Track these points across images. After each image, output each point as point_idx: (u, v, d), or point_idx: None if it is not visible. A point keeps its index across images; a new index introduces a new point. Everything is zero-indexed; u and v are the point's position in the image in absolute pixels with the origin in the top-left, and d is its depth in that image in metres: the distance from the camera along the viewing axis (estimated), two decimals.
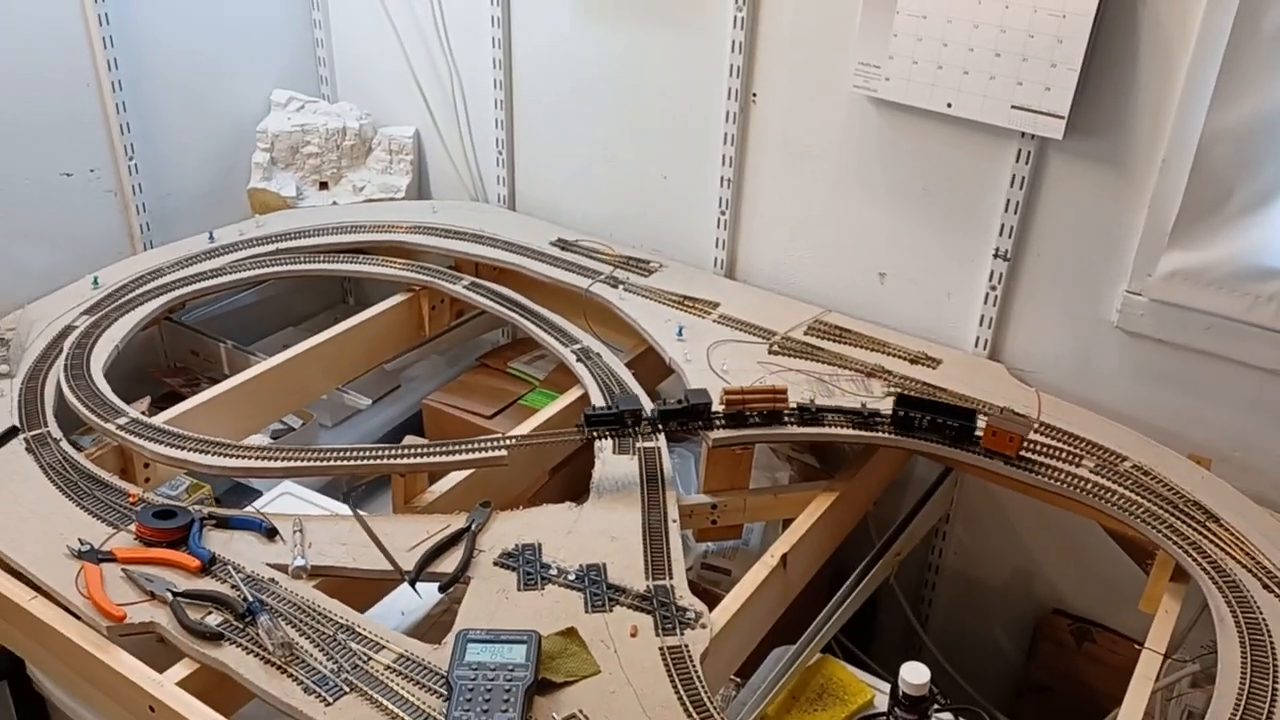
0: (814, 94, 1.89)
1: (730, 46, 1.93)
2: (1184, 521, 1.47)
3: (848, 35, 1.78)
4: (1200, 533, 1.45)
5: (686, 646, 1.25)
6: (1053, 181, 1.72)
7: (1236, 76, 1.49)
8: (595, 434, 1.54)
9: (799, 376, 1.74)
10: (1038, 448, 1.58)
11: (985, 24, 1.64)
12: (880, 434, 1.59)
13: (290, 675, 1.20)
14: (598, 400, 1.70)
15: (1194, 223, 1.60)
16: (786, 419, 1.57)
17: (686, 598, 1.32)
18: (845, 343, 1.86)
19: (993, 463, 1.56)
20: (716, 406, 1.57)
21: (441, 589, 1.36)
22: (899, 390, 1.70)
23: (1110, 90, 1.62)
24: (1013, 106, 1.65)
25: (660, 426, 1.54)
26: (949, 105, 1.71)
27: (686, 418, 1.54)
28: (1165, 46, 1.56)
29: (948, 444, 1.56)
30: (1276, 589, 1.35)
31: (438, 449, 1.54)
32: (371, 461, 1.51)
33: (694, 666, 1.22)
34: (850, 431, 1.59)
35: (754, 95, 1.96)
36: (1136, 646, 1.41)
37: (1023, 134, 1.69)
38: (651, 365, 1.87)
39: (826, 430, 1.60)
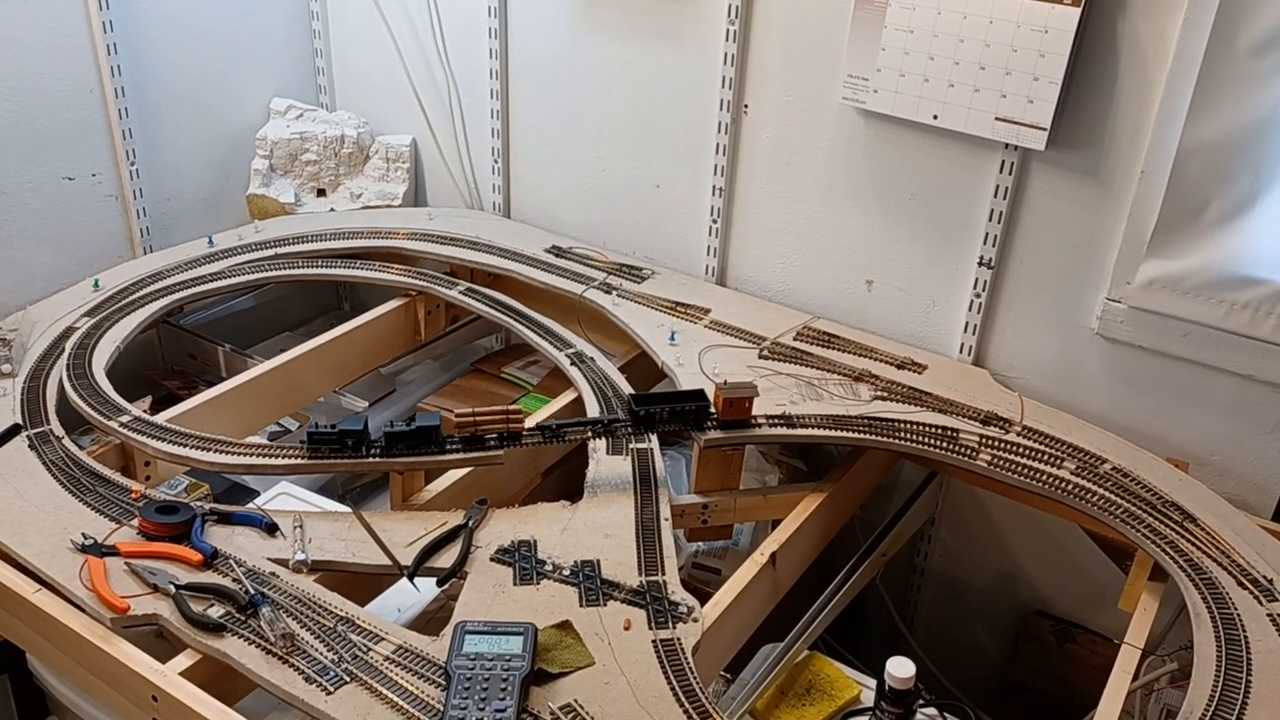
0: (804, 105, 1.93)
1: (723, 59, 1.97)
2: (1162, 522, 1.50)
3: (837, 49, 1.83)
4: (1178, 532, 1.49)
5: (679, 639, 1.28)
6: (1035, 192, 1.77)
7: (1212, 91, 1.54)
8: (317, 453, 1.50)
9: (788, 380, 1.78)
10: (1020, 450, 1.62)
11: (970, 38, 1.68)
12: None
13: (291, 665, 1.23)
14: (591, 403, 1.73)
15: (1171, 233, 1.64)
16: (526, 440, 1.54)
17: (679, 593, 1.35)
18: (833, 348, 1.90)
19: (975, 464, 1.60)
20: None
21: (439, 583, 1.39)
22: (886, 392, 1.75)
23: (1090, 103, 1.67)
24: (997, 118, 1.70)
25: (385, 449, 1.51)
26: (935, 117, 1.75)
27: (414, 441, 1.51)
28: (1143, 62, 1.61)
29: (688, 427, 1.60)
30: (1250, 586, 1.39)
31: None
32: (371, 460, 1.53)
33: (686, 658, 1.25)
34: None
35: (746, 106, 2.00)
36: (1117, 643, 1.44)
37: (1006, 145, 1.74)
38: (645, 369, 1.90)
39: (808, 433, 1.64)
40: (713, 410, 1.61)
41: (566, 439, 1.58)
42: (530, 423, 1.60)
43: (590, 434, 1.59)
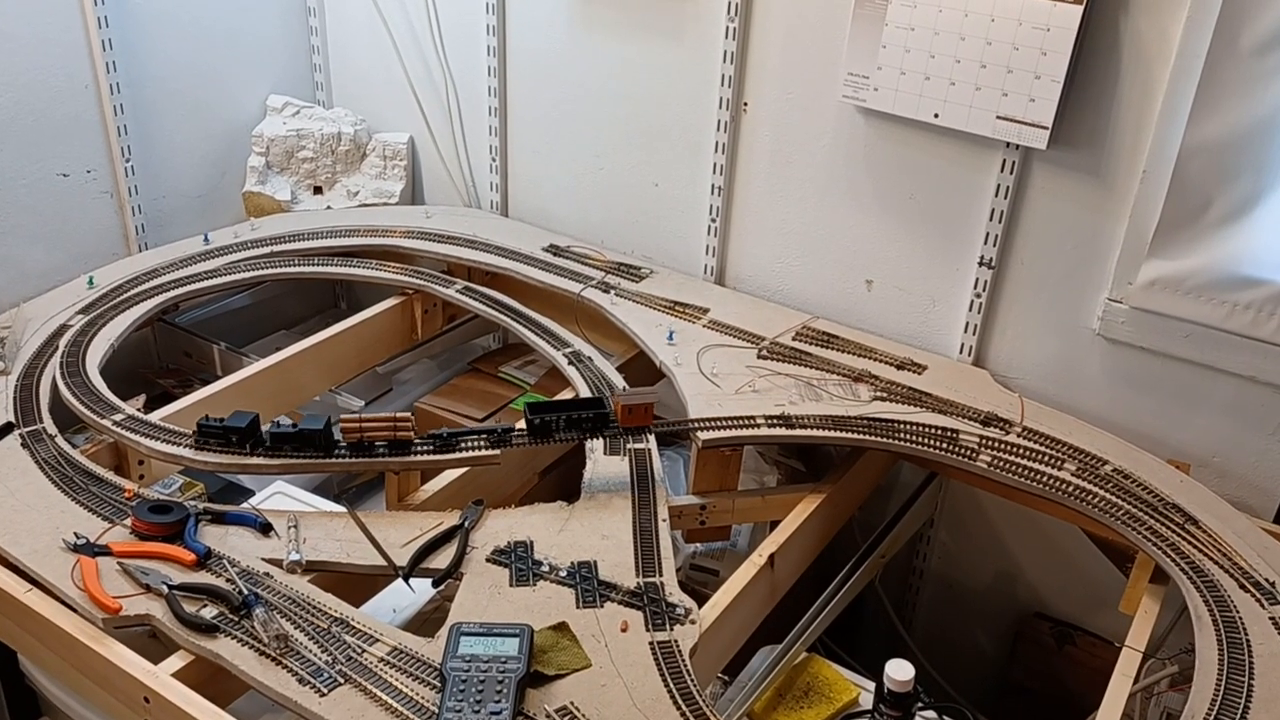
0: (804, 104, 1.92)
1: (722, 57, 1.96)
2: (1163, 524, 1.50)
3: (837, 46, 1.82)
4: (1179, 535, 1.48)
5: (676, 641, 1.27)
6: (1036, 191, 1.76)
7: (1214, 91, 1.53)
8: (206, 445, 1.51)
9: (787, 380, 1.77)
10: (1020, 451, 1.61)
11: (971, 36, 1.67)
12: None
13: (285, 667, 1.22)
14: None
15: (1173, 233, 1.63)
16: (418, 448, 1.52)
17: (676, 594, 1.34)
18: (832, 348, 1.89)
19: (975, 465, 1.59)
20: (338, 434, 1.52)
21: (435, 584, 1.38)
22: (885, 392, 1.74)
23: (1092, 102, 1.66)
24: (998, 117, 1.68)
25: (272, 449, 1.50)
26: (936, 115, 1.74)
27: (299, 442, 1.50)
28: (1146, 61, 1.60)
29: (587, 435, 1.58)
30: (1252, 589, 1.39)
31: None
32: (367, 459, 1.52)
33: (683, 661, 1.24)
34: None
35: (745, 104, 1.99)
36: (1116, 646, 1.43)
37: (1008, 144, 1.73)
38: (643, 369, 1.89)
39: (806, 433, 1.63)
40: (613, 418, 1.59)
41: (458, 448, 1.53)
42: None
43: (485, 444, 1.54)
